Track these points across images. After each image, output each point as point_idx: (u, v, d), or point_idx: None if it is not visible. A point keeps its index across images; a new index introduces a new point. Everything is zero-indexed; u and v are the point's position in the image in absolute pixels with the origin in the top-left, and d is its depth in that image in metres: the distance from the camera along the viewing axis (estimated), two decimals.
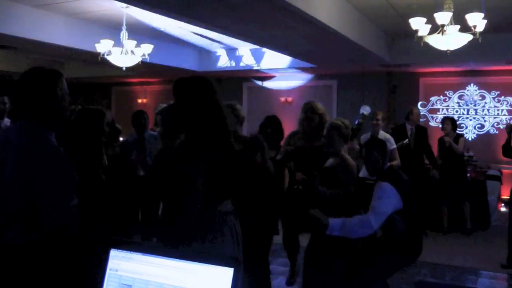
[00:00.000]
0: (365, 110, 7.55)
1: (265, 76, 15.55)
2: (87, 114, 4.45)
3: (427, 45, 7.94)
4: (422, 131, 10.10)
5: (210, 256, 1.85)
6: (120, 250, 2.02)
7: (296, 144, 6.35)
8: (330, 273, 5.06)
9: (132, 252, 2.00)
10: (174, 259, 1.90)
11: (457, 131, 10.33)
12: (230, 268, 1.76)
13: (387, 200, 4.81)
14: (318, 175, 5.34)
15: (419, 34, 7.69)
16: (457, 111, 13.21)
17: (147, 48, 9.99)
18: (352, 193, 5.23)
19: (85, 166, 4.04)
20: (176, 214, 3.56)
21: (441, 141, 10.00)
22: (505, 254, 7.86)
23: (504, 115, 12.81)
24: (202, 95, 3.50)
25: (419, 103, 13.47)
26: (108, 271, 2.02)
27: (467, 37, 7.61)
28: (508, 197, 8.57)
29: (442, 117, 12.26)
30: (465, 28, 7.55)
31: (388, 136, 8.62)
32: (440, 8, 7.50)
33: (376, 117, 8.92)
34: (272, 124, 6.49)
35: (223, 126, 3.54)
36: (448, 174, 9.82)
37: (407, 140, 9.51)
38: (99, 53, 9.82)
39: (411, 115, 10.01)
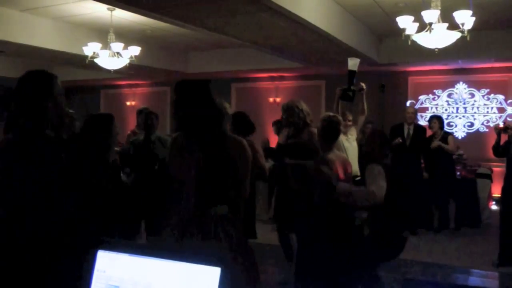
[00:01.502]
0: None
1: (253, 77, 15.55)
2: (97, 118, 4.47)
3: (415, 43, 7.95)
4: (420, 130, 10.09)
5: (198, 255, 1.83)
6: (108, 251, 2.02)
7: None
8: (323, 260, 5.12)
9: (119, 253, 1.99)
10: (161, 259, 1.89)
11: (446, 130, 10.34)
12: (217, 268, 1.75)
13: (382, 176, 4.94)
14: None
15: (407, 32, 7.71)
16: (446, 110, 13.23)
17: (134, 50, 9.98)
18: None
19: (98, 170, 4.08)
20: (168, 216, 3.58)
21: (429, 139, 10.03)
22: (497, 252, 7.87)
23: (494, 113, 12.85)
24: (202, 96, 3.62)
25: (408, 101, 13.49)
26: (95, 272, 2.00)
27: (455, 35, 7.62)
28: (499, 195, 8.58)
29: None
30: (453, 26, 7.57)
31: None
32: (427, 6, 7.51)
33: (347, 118, 8.92)
34: (242, 120, 6.55)
35: (218, 125, 3.66)
36: (437, 173, 9.84)
37: (399, 138, 9.53)
38: (86, 56, 9.80)
39: (404, 113, 10.08)
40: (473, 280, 7.41)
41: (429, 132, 10.14)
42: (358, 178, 7.17)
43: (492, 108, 12.89)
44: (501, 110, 12.81)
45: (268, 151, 6.45)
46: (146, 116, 7.49)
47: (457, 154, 10.77)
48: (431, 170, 10.00)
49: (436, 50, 7.93)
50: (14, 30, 9.58)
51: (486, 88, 12.93)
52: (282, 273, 7.07)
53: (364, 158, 5.45)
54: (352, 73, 6.71)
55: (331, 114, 5.68)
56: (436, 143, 9.72)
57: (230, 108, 4.94)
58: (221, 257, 1.78)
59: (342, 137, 6.90)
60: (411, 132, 9.85)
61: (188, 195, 3.51)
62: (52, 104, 3.11)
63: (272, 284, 6.86)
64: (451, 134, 10.24)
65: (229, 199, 3.60)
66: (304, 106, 6.54)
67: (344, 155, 5.73)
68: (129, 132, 9.65)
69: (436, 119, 10.04)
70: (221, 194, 3.56)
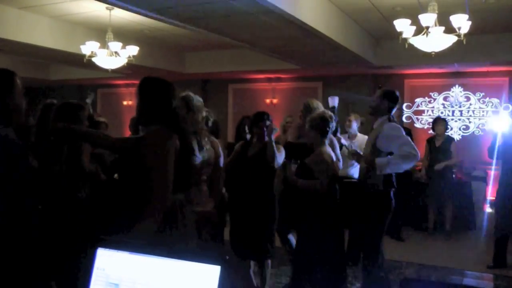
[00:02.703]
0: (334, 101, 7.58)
1: (250, 78, 15.55)
2: (66, 107, 4.46)
3: (411, 46, 7.98)
4: (408, 132, 10.10)
5: (197, 254, 1.85)
6: (107, 249, 2.03)
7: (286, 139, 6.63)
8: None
9: (119, 251, 2.00)
10: (161, 257, 1.90)
11: (448, 134, 10.34)
12: (217, 266, 1.77)
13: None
14: (289, 163, 5.82)
15: (404, 36, 7.73)
16: (442, 113, 13.23)
17: (132, 50, 9.98)
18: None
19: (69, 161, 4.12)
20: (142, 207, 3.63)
21: (429, 142, 10.05)
22: (491, 255, 7.90)
23: (489, 116, 12.88)
24: (162, 95, 3.73)
25: (404, 104, 13.50)
26: (95, 270, 2.02)
27: (451, 39, 7.65)
28: (494, 198, 8.61)
29: (427, 119, 12.41)
30: (449, 30, 7.59)
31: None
32: (424, 10, 7.54)
33: (348, 118, 9.04)
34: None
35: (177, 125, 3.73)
36: (435, 175, 9.86)
37: None
38: (84, 55, 9.79)
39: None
40: (468, 281, 7.43)
41: (416, 134, 10.13)
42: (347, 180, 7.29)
43: (487, 111, 12.92)
44: (496, 113, 12.82)
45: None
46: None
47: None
48: (429, 172, 10.03)
49: (433, 53, 7.95)
50: (11, 28, 9.56)
51: (481, 92, 12.96)
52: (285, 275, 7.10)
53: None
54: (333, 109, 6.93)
55: (324, 110, 5.85)
56: (440, 165, 9.75)
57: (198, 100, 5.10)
58: (221, 256, 1.80)
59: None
60: None
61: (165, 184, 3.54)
62: (10, 100, 3.18)
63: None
64: (453, 140, 10.20)
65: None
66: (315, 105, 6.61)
67: (332, 153, 5.77)
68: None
69: (441, 121, 10.05)
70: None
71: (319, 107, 6.58)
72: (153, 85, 3.74)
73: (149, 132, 3.54)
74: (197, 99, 5.09)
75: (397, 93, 5.91)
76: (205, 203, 5.00)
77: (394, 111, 5.87)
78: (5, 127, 3.10)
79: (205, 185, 5.20)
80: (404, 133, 5.61)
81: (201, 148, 4.91)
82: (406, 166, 5.51)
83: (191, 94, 5.09)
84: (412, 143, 5.49)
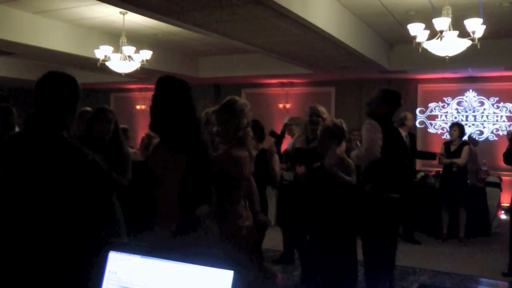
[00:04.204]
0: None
1: (263, 83, 15.56)
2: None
3: (425, 51, 7.94)
4: (413, 137, 10.06)
5: (210, 258, 1.84)
6: (119, 252, 2.02)
7: (295, 145, 6.59)
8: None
9: (131, 254, 1.99)
10: (173, 261, 1.89)
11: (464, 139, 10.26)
12: (230, 271, 1.76)
13: None
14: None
15: (418, 40, 7.69)
16: (455, 118, 13.19)
17: (146, 54, 10.00)
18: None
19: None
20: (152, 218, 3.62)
21: (446, 146, 9.98)
22: (506, 262, 7.83)
23: (503, 121, 12.81)
24: (180, 95, 3.66)
25: (418, 109, 13.47)
26: (106, 273, 2.01)
27: (465, 43, 7.60)
28: (509, 204, 8.54)
29: (441, 124, 12.37)
30: (463, 34, 7.55)
31: None
32: (438, 14, 7.51)
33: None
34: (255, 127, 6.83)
35: (196, 129, 3.69)
36: (449, 180, 9.79)
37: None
38: (98, 59, 9.83)
39: (405, 120, 9.72)
40: None
41: (431, 139, 10.10)
42: None
43: (501, 116, 12.86)
44: (510, 118, 12.77)
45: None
46: None
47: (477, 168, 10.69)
48: (443, 177, 9.98)
49: (447, 57, 7.92)
50: (26, 32, 9.62)
51: (495, 97, 12.91)
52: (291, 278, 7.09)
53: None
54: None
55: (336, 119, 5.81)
56: (445, 161, 9.69)
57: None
58: (234, 260, 1.78)
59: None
60: (408, 139, 9.79)
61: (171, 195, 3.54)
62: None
63: None
64: (468, 144, 10.14)
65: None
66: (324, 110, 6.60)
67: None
68: (143, 135, 9.68)
69: (457, 127, 9.96)
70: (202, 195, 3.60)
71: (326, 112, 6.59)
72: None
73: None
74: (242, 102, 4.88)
75: (399, 95, 5.81)
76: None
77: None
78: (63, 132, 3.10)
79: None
80: (375, 133, 5.56)
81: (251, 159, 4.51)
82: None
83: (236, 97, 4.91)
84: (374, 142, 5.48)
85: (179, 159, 3.53)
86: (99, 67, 10.07)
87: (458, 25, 7.51)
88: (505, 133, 11.46)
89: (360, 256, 5.53)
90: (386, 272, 5.58)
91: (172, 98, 3.64)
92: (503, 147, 8.10)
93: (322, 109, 6.54)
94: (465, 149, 9.75)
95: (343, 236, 5.38)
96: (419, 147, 11.19)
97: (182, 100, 3.65)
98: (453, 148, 9.83)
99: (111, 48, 9.75)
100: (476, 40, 7.46)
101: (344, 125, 5.64)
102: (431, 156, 10.11)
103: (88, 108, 6.03)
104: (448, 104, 13.44)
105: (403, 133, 9.72)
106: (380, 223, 5.43)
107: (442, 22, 7.28)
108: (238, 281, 1.73)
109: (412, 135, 10.15)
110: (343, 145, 5.89)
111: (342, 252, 5.38)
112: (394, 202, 5.51)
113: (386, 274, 5.54)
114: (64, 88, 3.13)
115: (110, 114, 4.83)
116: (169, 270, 1.89)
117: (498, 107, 12.89)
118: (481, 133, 13.04)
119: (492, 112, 12.98)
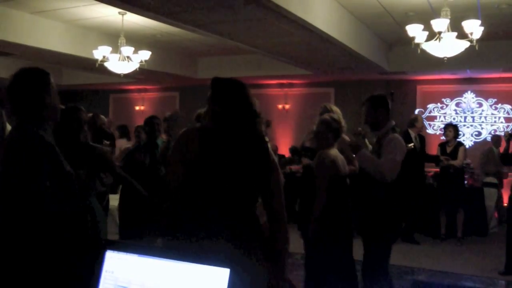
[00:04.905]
0: None
1: (262, 83, 15.55)
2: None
3: (424, 52, 7.95)
4: (422, 139, 10.10)
5: (206, 256, 1.84)
6: (116, 252, 2.02)
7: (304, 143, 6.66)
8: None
9: (128, 254, 1.99)
10: (170, 260, 1.90)
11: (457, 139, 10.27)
12: (226, 269, 1.76)
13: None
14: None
15: (416, 41, 7.70)
16: (454, 119, 13.20)
17: (144, 55, 10.00)
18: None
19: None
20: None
21: (441, 147, 10.00)
22: (503, 261, 7.85)
23: (501, 122, 12.83)
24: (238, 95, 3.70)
25: (416, 110, 13.47)
26: (103, 273, 2.01)
27: (464, 44, 7.62)
28: (507, 204, 8.55)
29: (440, 125, 12.37)
30: (462, 35, 7.57)
31: None
32: (437, 15, 7.52)
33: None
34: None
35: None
36: (446, 181, 9.81)
37: (412, 144, 9.44)
38: (96, 60, 9.82)
39: (416, 122, 9.82)
40: (479, 287, 7.41)
41: (429, 140, 10.11)
42: None
43: (499, 117, 12.88)
44: (508, 120, 12.79)
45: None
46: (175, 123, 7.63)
47: (464, 163, 10.72)
48: (440, 178, 10.01)
49: (445, 59, 7.93)
50: (24, 33, 9.61)
51: (493, 98, 12.93)
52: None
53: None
54: None
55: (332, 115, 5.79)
56: (445, 159, 9.70)
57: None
58: (230, 258, 1.79)
59: None
60: (417, 140, 9.81)
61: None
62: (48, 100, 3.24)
63: None
64: (463, 145, 10.14)
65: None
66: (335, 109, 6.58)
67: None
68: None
69: (452, 128, 9.98)
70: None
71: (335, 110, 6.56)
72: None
73: None
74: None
75: (385, 96, 5.65)
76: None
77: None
78: (40, 127, 3.10)
79: None
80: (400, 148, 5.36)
81: None
82: (375, 174, 5.11)
83: None
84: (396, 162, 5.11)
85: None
86: (98, 67, 10.05)
87: (456, 27, 7.53)
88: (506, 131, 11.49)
89: (360, 256, 5.52)
90: (385, 272, 5.57)
91: (234, 95, 3.67)
92: (501, 148, 8.12)
93: (334, 108, 6.52)
94: (461, 149, 9.79)
95: (338, 235, 5.38)
96: None
97: (242, 96, 3.70)
98: (448, 149, 9.86)
99: (109, 49, 9.73)
100: (475, 41, 7.48)
101: (342, 121, 5.66)
102: (436, 160, 10.10)
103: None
104: (446, 105, 13.46)
105: (413, 134, 9.77)
106: (385, 224, 5.40)
107: (440, 23, 7.30)
108: (234, 279, 1.73)
109: (422, 136, 10.19)
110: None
111: (339, 252, 5.39)
112: (400, 204, 5.49)
113: (384, 274, 5.53)
114: (29, 83, 3.22)
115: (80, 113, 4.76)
116: (166, 268, 1.89)
117: (496, 108, 12.90)
118: (479, 134, 13.06)
119: (490, 113, 12.99)
